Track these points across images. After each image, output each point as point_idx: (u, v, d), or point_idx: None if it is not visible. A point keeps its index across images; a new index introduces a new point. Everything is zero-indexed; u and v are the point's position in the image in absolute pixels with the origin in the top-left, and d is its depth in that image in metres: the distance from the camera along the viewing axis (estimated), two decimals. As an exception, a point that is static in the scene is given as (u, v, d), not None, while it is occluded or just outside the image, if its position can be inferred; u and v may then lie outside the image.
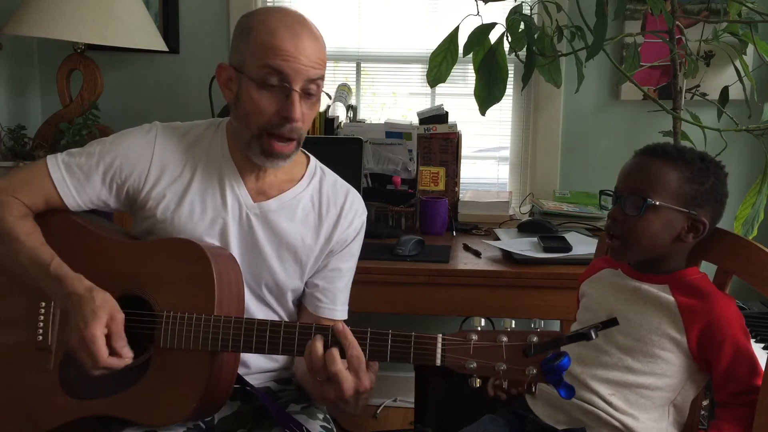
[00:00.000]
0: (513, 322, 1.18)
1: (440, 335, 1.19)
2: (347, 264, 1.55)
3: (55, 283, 1.33)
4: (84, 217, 1.47)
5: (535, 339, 1.14)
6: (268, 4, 2.81)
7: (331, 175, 1.58)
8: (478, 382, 1.17)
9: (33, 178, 1.44)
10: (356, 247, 1.57)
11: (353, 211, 1.54)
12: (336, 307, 1.52)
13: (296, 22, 1.38)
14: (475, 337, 1.17)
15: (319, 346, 1.21)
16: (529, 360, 1.14)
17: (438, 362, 1.19)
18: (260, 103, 1.37)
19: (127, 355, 1.29)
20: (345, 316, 1.52)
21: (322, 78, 1.40)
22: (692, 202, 1.38)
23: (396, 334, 1.21)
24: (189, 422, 1.38)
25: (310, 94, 1.39)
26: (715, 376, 1.37)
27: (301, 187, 1.51)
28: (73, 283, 1.31)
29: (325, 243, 1.51)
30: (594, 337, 1.09)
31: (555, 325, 2.67)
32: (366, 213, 1.59)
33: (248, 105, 1.38)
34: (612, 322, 1.11)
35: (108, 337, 1.27)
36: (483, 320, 1.21)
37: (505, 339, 1.16)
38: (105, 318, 1.27)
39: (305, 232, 1.49)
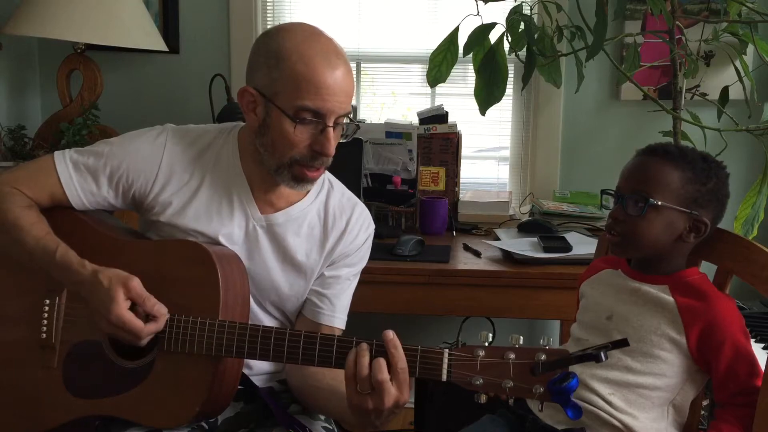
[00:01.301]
0: (521, 338, 1.16)
1: (447, 350, 1.16)
2: (345, 272, 1.52)
3: (62, 271, 1.33)
4: (89, 215, 1.46)
5: (543, 357, 1.11)
6: (268, 4, 2.81)
7: (339, 188, 1.55)
8: (483, 398, 1.15)
9: (39, 172, 1.43)
10: (357, 258, 1.53)
11: (359, 226, 1.52)
12: (335, 314, 1.50)
13: (332, 52, 1.33)
14: (482, 353, 1.15)
15: (365, 355, 1.18)
16: (536, 379, 1.11)
17: (444, 378, 1.16)
18: (293, 137, 1.34)
19: (161, 312, 1.29)
20: (343, 326, 1.51)
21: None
22: (694, 202, 1.38)
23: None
24: (192, 423, 1.38)
25: (339, 124, 1.37)
26: (715, 376, 1.36)
27: (308, 200, 1.49)
28: (78, 269, 1.31)
29: (328, 255, 1.50)
30: (604, 359, 1.08)
31: (555, 325, 2.67)
32: (373, 227, 1.57)
33: (278, 136, 1.35)
34: (622, 343, 1.09)
35: (134, 306, 1.28)
36: (490, 335, 1.18)
37: (512, 356, 1.13)
38: (121, 293, 1.27)
39: (310, 247, 1.48)
